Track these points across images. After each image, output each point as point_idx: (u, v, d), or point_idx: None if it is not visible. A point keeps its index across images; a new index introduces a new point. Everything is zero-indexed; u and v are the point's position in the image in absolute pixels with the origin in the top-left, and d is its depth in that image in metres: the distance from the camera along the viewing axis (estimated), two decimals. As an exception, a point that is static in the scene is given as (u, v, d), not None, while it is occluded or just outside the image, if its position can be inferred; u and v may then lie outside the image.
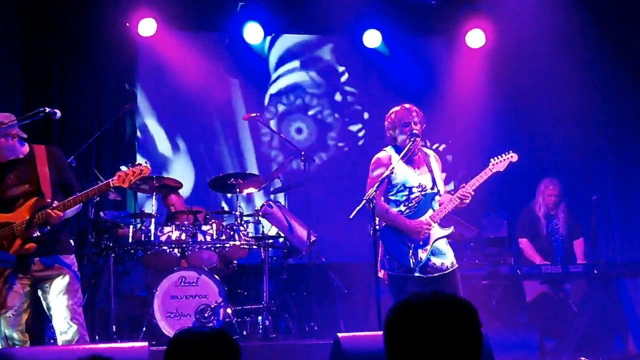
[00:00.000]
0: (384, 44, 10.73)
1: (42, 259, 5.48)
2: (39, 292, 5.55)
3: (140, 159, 10.08)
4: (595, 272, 7.64)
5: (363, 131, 10.90)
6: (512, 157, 6.11)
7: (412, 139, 5.97)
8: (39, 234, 5.40)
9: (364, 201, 5.83)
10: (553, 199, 8.53)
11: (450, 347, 2.21)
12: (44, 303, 5.58)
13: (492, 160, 6.10)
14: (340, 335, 4.53)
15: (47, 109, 5.52)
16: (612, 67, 10.05)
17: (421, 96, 10.86)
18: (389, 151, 6.11)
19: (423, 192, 6.01)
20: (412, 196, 5.99)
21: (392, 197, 6.00)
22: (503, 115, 10.71)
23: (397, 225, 5.94)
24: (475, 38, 10.45)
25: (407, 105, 6.14)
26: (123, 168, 5.53)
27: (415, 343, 2.23)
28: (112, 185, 5.49)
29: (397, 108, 6.16)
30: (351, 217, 5.80)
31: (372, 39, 10.47)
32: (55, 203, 5.36)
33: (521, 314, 8.45)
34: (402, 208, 5.98)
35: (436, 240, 5.95)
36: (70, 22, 9.92)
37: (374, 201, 5.85)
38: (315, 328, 8.02)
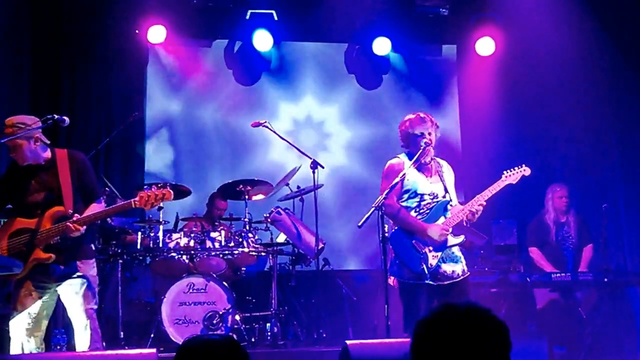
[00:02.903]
0: (394, 51, 10.76)
1: (60, 265, 5.49)
2: (60, 297, 5.57)
3: (152, 168, 10.10)
4: (606, 280, 7.60)
5: (372, 138, 10.88)
6: (525, 170, 6.11)
7: (424, 147, 5.98)
8: (59, 241, 5.41)
9: (373, 209, 5.83)
10: (564, 201, 8.47)
11: None
12: (65, 307, 5.60)
13: (504, 172, 6.12)
14: (348, 342, 4.53)
15: (56, 116, 5.53)
16: (622, 74, 10.04)
17: (431, 103, 10.91)
18: (401, 158, 6.14)
19: (435, 200, 6.03)
20: (423, 203, 6.02)
21: (404, 203, 6.01)
22: (512, 122, 10.71)
23: (413, 228, 5.95)
24: (485, 46, 10.51)
25: (422, 115, 6.13)
26: (146, 189, 5.53)
27: (443, 356, 2.21)
28: (133, 205, 5.49)
29: (412, 116, 6.15)
30: (360, 224, 5.80)
31: (382, 46, 10.49)
32: (76, 216, 5.36)
33: (531, 321, 8.42)
34: (414, 214, 6.00)
35: (448, 247, 5.96)
36: (79, 28, 9.97)
37: (383, 209, 5.86)
38: (324, 335, 8.01)
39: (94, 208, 5.56)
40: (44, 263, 5.39)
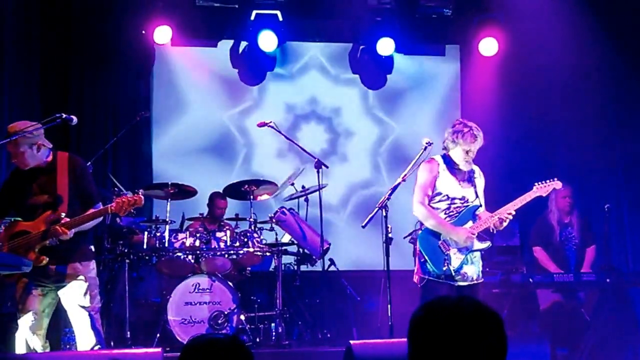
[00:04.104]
0: (398, 51, 10.78)
1: (58, 267, 5.53)
2: (60, 299, 5.62)
3: (156, 167, 10.17)
4: (608, 281, 7.62)
5: (377, 138, 10.91)
6: (556, 184, 6.33)
7: (425, 147, 6.11)
8: (54, 243, 5.45)
9: (377, 209, 5.93)
10: (568, 201, 8.45)
11: (474, 354, 2.23)
12: (65, 308, 5.65)
13: (536, 184, 6.28)
14: (352, 342, 4.57)
15: (64, 115, 5.57)
16: (624, 74, 10.05)
17: (434, 103, 10.93)
18: (437, 159, 6.23)
19: (465, 204, 6.15)
20: (453, 206, 6.15)
21: (435, 205, 6.13)
22: (515, 123, 10.72)
23: (440, 229, 6.06)
24: (489, 46, 10.51)
25: (476, 132, 6.14)
26: (124, 194, 5.59)
27: (438, 346, 2.25)
28: (109, 211, 5.54)
29: (466, 129, 6.14)
30: (364, 225, 5.90)
31: (386, 46, 10.51)
32: (65, 219, 5.41)
33: (533, 322, 8.44)
34: (443, 216, 6.12)
35: (473, 251, 6.09)
36: (87, 30, 10.03)
37: (387, 209, 5.97)
38: (328, 335, 8.04)
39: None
40: (38, 265, 5.44)
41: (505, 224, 6.14)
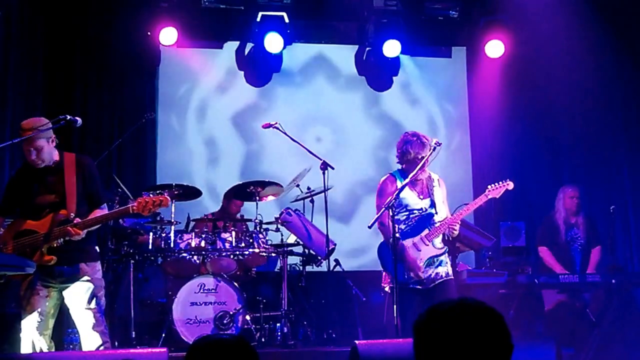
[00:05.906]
0: (404, 53, 10.79)
1: (64, 268, 5.54)
2: (64, 299, 5.62)
3: (160, 165, 10.19)
4: (613, 281, 7.62)
5: (382, 139, 10.91)
6: (508, 185, 6.55)
7: (433, 149, 6.23)
8: (61, 244, 5.46)
9: (383, 209, 5.98)
10: (575, 202, 8.46)
11: (481, 353, 2.24)
12: (69, 309, 5.66)
13: (489, 186, 6.55)
14: (357, 342, 4.58)
15: (69, 117, 5.56)
16: (630, 76, 10.05)
17: (440, 105, 10.93)
18: (394, 175, 6.55)
19: (422, 213, 6.42)
20: (412, 216, 6.44)
21: (395, 217, 6.23)
22: (521, 124, 10.73)
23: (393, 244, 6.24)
24: (495, 48, 10.53)
25: (424, 139, 6.40)
26: (145, 194, 5.57)
27: (445, 350, 2.26)
28: (131, 211, 5.52)
29: (414, 138, 6.41)
30: (370, 225, 5.97)
31: (392, 48, 10.51)
32: (77, 220, 5.41)
33: (539, 323, 8.44)
34: (402, 226, 6.39)
35: (428, 258, 6.36)
36: (92, 30, 10.05)
37: (394, 209, 6.05)
38: (334, 335, 8.06)
39: (97, 214, 5.61)
40: (46, 265, 5.45)
41: (456, 231, 6.43)
